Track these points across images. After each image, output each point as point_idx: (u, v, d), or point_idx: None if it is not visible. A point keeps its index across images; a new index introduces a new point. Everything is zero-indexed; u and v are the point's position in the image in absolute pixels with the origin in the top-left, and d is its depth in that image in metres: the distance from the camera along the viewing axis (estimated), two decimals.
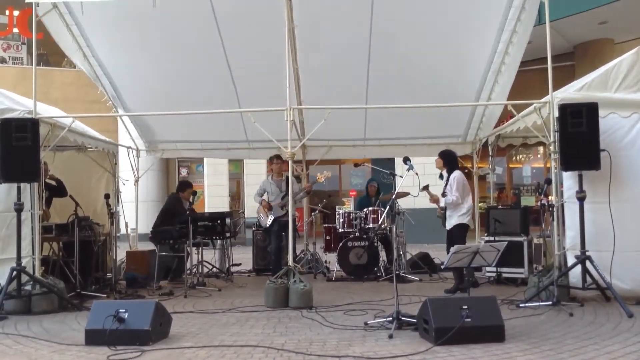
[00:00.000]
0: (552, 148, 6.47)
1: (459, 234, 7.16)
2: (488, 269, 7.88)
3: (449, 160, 7.46)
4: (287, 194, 8.38)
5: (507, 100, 7.87)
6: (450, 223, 7.26)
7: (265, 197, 8.82)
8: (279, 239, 8.59)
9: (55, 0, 6.74)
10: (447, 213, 7.30)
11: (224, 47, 7.77)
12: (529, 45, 7.16)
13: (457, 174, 7.31)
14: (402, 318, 5.11)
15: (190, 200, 8.48)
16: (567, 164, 6.14)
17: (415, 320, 4.99)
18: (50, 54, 21.92)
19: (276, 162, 8.86)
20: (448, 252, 7.13)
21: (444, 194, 7.26)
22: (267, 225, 8.70)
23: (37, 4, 6.75)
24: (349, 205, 15.41)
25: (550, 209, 6.41)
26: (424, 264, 9.11)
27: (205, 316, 6.06)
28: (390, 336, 4.82)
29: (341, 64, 8.02)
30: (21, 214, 6.28)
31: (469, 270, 7.08)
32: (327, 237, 9.46)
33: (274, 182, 8.83)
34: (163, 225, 8.35)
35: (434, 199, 7.42)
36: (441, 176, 7.63)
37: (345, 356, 4.34)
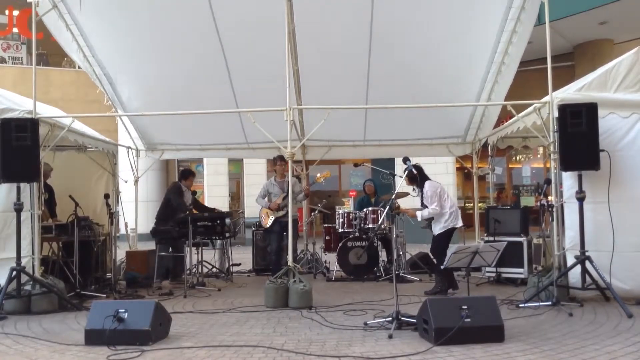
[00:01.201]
0: (551, 148, 6.48)
1: (445, 239, 7.12)
2: (488, 269, 7.88)
3: (413, 177, 7.21)
4: (287, 194, 8.39)
5: (507, 100, 7.88)
6: (435, 230, 7.24)
7: (267, 198, 8.81)
8: (280, 239, 8.58)
9: None
10: (432, 222, 7.27)
11: (223, 49, 7.76)
12: (529, 45, 7.16)
13: (427, 185, 7.18)
14: (402, 318, 5.11)
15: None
16: (566, 164, 6.14)
17: (415, 321, 4.99)
18: (50, 54, 21.94)
19: (280, 164, 8.71)
20: (434, 257, 7.27)
21: (424, 206, 7.19)
22: (268, 226, 8.69)
23: (37, 4, 6.74)
24: (348, 206, 15.41)
25: (550, 209, 6.41)
26: (424, 264, 9.11)
27: (205, 316, 6.07)
28: (390, 336, 4.82)
29: (341, 64, 8.02)
30: (21, 214, 6.28)
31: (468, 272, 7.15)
32: (327, 237, 9.46)
33: (277, 183, 8.79)
34: (166, 216, 8.35)
35: (410, 214, 7.44)
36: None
37: (345, 356, 4.34)
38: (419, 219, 7.27)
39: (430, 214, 7.12)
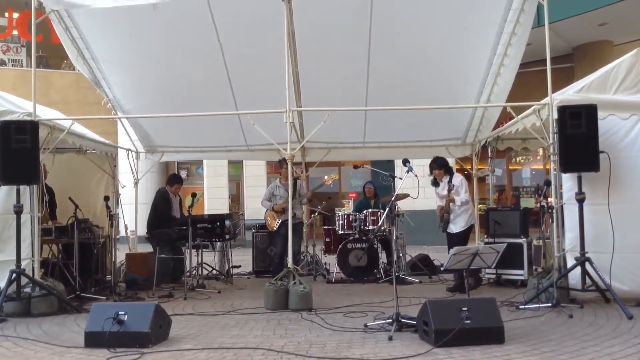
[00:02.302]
0: (551, 150, 6.48)
1: (466, 238, 7.19)
2: (488, 270, 7.86)
3: (447, 166, 7.50)
4: (295, 197, 8.39)
5: (507, 101, 7.88)
6: (459, 226, 7.26)
7: (273, 201, 8.84)
8: (286, 242, 8.54)
9: (56, 7, 6.71)
10: (452, 217, 7.28)
11: (222, 51, 7.76)
12: (528, 46, 7.16)
13: (461, 177, 7.44)
14: (402, 320, 5.10)
15: (191, 202, 8.48)
16: (566, 166, 6.14)
17: (415, 322, 4.99)
18: (49, 57, 21.97)
19: (285, 167, 8.59)
20: None
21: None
22: (274, 229, 8.70)
23: (38, 7, 6.74)
24: (348, 207, 15.40)
25: (550, 210, 6.41)
26: (424, 266, 9.11)
27: (204, 318, 6.06)
28: (390, 338, 4.82)
29: (341, 66, 8.03)
30: (20, 216, 6.28)
31: (468, 272, 7.07)
32: (327, 239, 9.45)
33: (282, 185, 8.81)
34: (156, 223, 8.35)
35: (450, 199, 7.25)
36: (435, 184, 7.57)
37: (345, 358, 4.34)
38: (458, 203, 7.24)
39: (467, 201, 7.22)
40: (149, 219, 8.57)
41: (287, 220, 8.45)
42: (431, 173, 7.55)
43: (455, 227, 7.28)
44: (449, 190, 7.22)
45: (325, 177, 9.09)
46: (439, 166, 7.46)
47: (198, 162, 19.42)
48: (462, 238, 7.19)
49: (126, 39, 7.65)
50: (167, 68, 8.16)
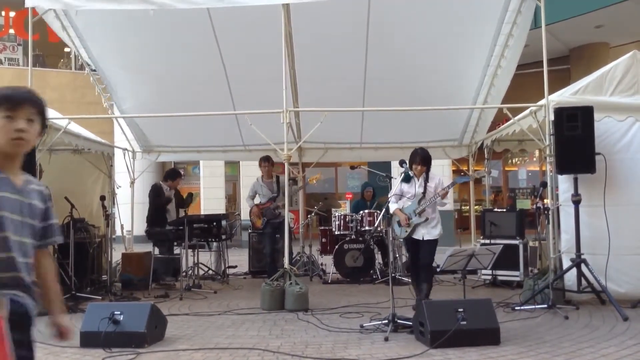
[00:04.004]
0: (547, 151, 6.49)
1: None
2: (484, 271, 7.87)
3: (430, 166, 6.26)
4: (278, 195, 8.41)
5: (503, 103, 7.89)
6: (436, 232, 6.15)
7: (257, 199, 8.84)
8: (273, 241, 8.57)
9: (52, 6, 6.69)
10: (435, 223, 6.15)
11: (220, 52, 7.76)
12: (525, 48, 7.18)
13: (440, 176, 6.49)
14: (398, 321, 5.11)
15: (187, 202, 8.50)
16: (562, 168, 6.16)
17: (411, 323, 5.00)
18: (46, 55, 21.91)
19: (263, 165, 8.72)
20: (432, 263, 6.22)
21: (424, 195, 6.11)
22: (260, 228, 8.73)
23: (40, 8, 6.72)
24: (345, 208, 15.40)
25: (546, 212, 6.42)
26: None
27: (200, 318, 6.06)
28: (386, 339, 4.83)
29: (338, 67, 8.03)
30: None
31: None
32: (323, 240, 9.45)
33: (265, 184, 8.80)
34: (155, 215, 8.37)
35: (444, 194, 6.04)
36: (407, 179, 6.23)
37: (341, 359, 4.34)
38: (446, 205, 6.32)
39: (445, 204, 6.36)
40: (149, 215, 8.58)
41: (272, 219, 8.50)
42: (410, 167, 6.17)
43: (434, 232, 6.14)
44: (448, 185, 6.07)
45: (310, 177, 9.10)
46: (424, 162, 6.14)
47: (195, 162, 19.37)
48: (434, 247, 6.16)
49: (123, 39, 7.64)
50: (164, 68, 8.15)
